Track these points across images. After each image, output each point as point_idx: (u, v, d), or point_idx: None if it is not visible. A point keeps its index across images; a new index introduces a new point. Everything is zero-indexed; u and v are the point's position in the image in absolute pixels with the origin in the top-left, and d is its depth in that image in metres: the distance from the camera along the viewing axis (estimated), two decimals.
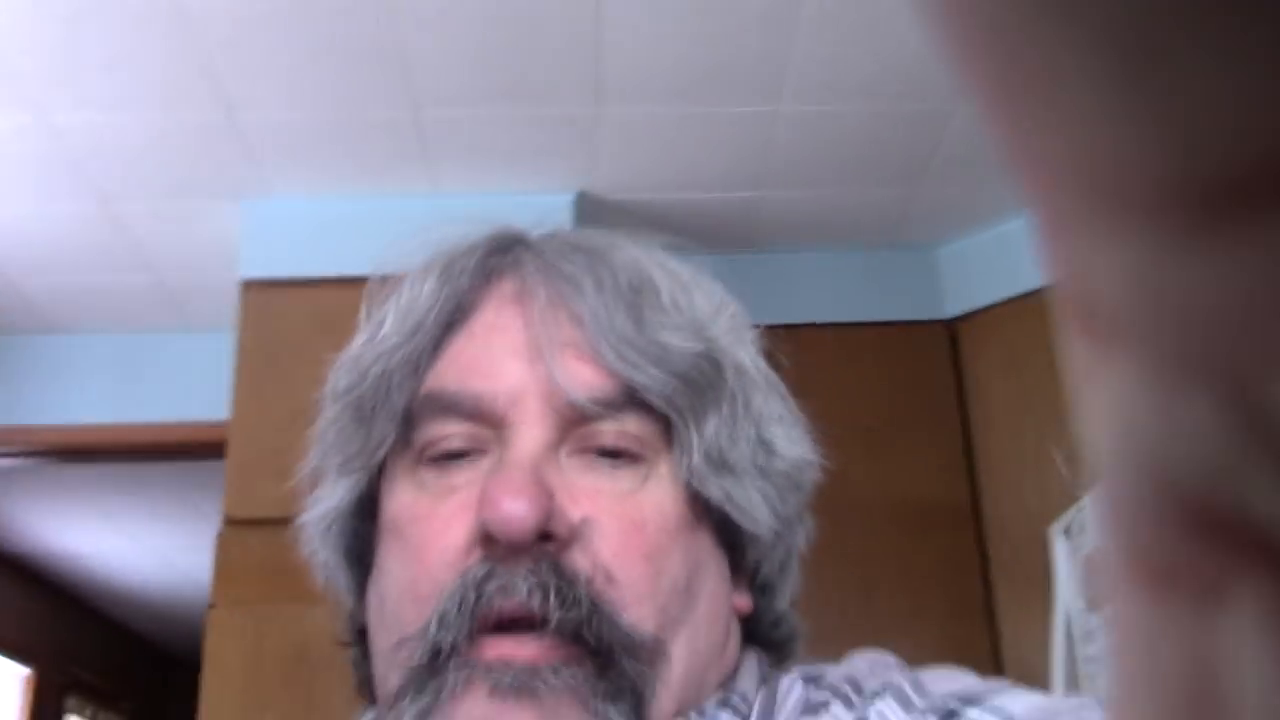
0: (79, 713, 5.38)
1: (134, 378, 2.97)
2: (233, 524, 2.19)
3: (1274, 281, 0.07)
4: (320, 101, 2.20)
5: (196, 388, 2.84)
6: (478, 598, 0.52)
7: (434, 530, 0.55)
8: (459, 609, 0.52)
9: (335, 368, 0.62)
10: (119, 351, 3.00)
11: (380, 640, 0.57)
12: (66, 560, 4.76)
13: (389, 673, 0.56)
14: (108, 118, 2.22)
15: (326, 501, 0.60)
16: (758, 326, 0.64)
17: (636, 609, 0.53)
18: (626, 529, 0.54)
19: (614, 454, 0.55)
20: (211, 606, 2.14)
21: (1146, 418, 0.08)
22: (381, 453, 0.58)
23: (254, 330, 2.34)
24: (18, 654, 4.88)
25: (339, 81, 2.14)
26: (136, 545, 4.56)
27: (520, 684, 0.51)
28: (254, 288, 2.39)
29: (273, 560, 2.05)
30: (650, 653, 0.53)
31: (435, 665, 0.53)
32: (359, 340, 0.61)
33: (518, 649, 0.52)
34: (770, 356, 0.64)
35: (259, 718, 2.02)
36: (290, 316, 2.29)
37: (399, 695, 0.54)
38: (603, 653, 0.52)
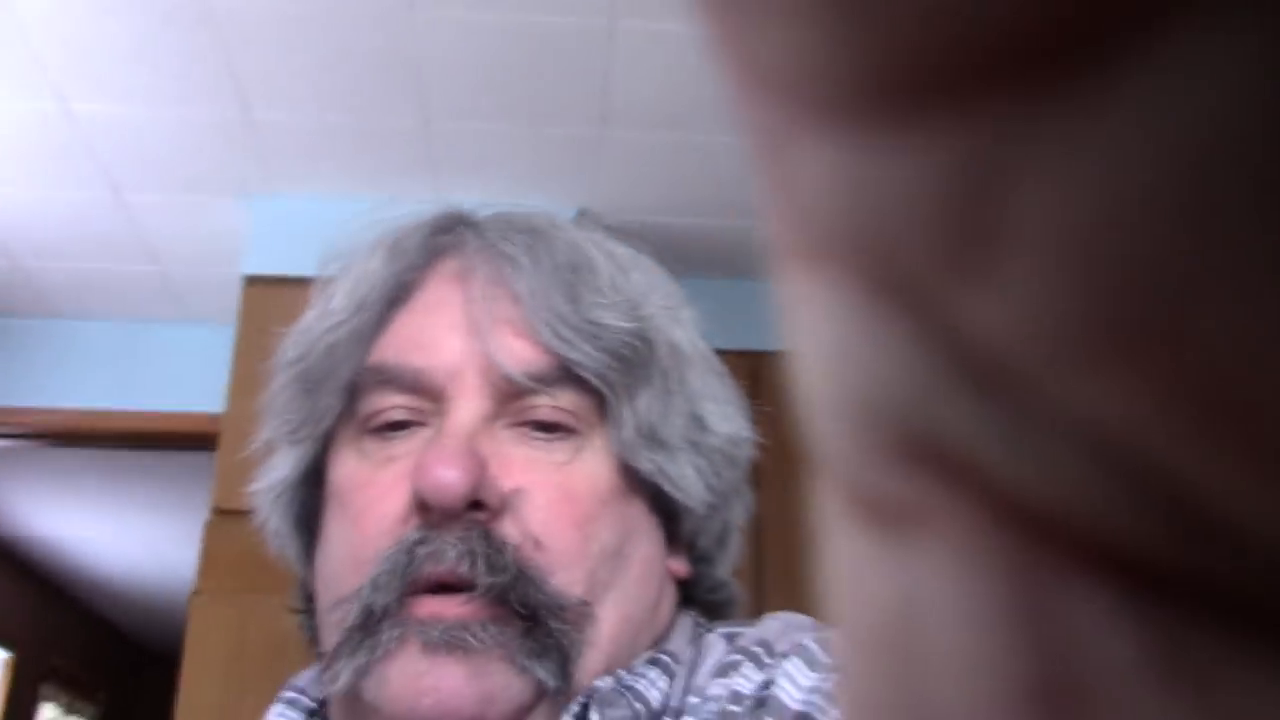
0: (54, 700, 5.38)
1: (131, 366, 3.01)
2: (221, 514, 2.22)
3: (948, 184, 0.07)
4: (334, 106, 2.25)
5: (192, 380, 2.88)
6: (409, 561, 0.54)
7: (373, 498, 0.57)
8: (391, 571, 0.55)
9: (285, 339, 0.64)
10: (118, 339, 3.04)
11: (322, 603, 0.59)
12: (50, 546, 4.78)
13: (327, 634, 0.58)
14: (126, 109, 2.27)
15: (277, 471, 0.62)
16: (747, 353, 0.67)
17: (564, 574, 0.55)
18: (557, 499, 0.56)
19: (548, 427, 0.58)
20: (196, 593, 2.17)
21: (846, 341, 0.08)
22: (326, 423, 0.60)
23: (253, 325, 2.38)
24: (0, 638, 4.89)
25: (354, 88, 2.19)
26: (120, 535, 4.58)
27: (450, 639, 0.53)
28: (256, 283, 2.43)
29: (258, 552, 2.08)
30: (577, 615, 0.55)
31: (369, 625, 0.55)
32: (309, 315, 0.63)
33: (447, 607, 0.54)
34: (760, 380, 0.67)
35: (238, 705, 2.04)
36: (290, 313, 2.32)
37: (335, 655, 0.56)
38: (529, 615, 0.54)
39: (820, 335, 0.08)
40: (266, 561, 0.66)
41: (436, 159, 2.37)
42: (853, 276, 0.08)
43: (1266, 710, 0.06)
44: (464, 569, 0.54)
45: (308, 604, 0.63)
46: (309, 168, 2.41)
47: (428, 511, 0.55)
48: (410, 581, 0.54)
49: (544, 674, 0.54)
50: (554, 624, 0.55)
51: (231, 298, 2.53)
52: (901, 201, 0.07)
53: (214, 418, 2.42)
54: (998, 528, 0.07)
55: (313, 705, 0.62)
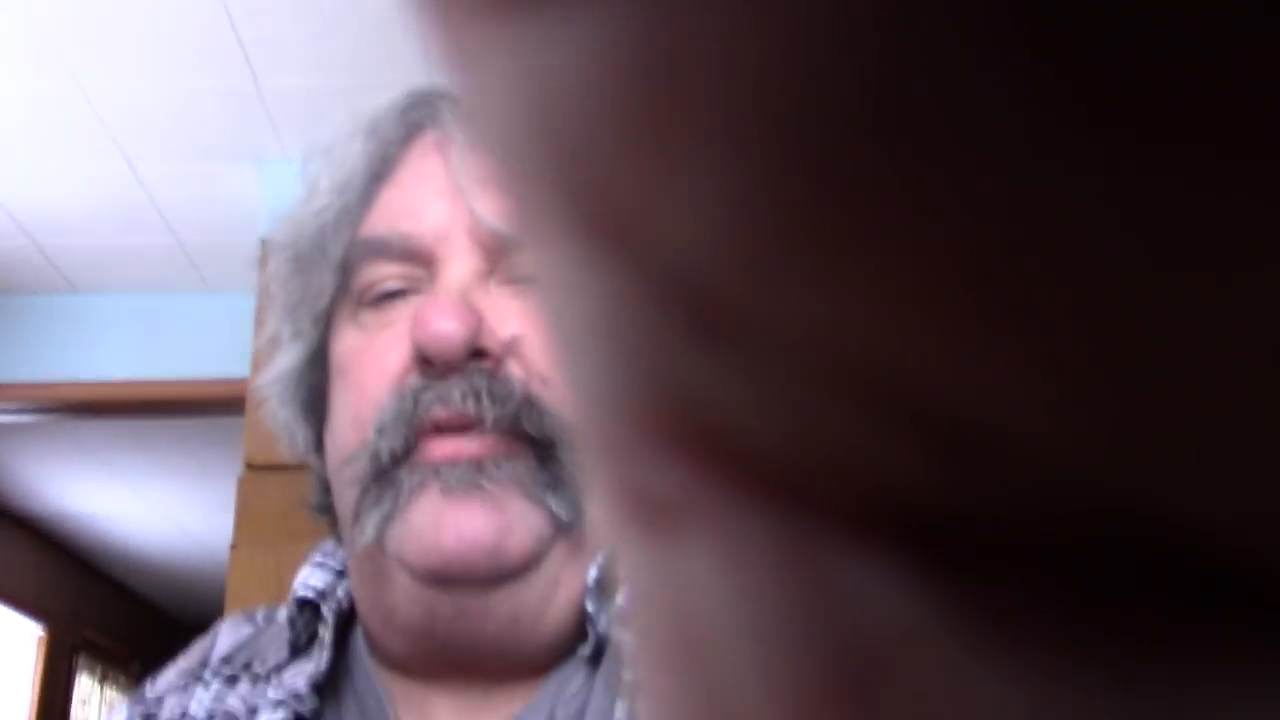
0: (90, 672, 5.50)
1: (155, 337, 3.07)
2: (253, 469, 2.30)
3: (620, 59, 0.06)
4: (340, 68, 2.30)
5: (216, 347, 2.94)
6: (414, 406, 0.55)
7: (371, 360, 0.58)
8: (395, 418, 0.56)
9: (276, 228, 0.66)
10: (140, 311, 3.10)
11: (333, 472, 0.60)
12: (79, 521, 4.86)
13: (343, 499, 0.59)
14: (136, 82, 2.33)
15: (281, 362, 0.64)
16: None
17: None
18: None
19: None
20: (234, 546, 2.26)
21: (575, 310, 0.07)
22: (323, 302, 0.61)
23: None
24: (31, 612, 4.98)
25: (358, 48, 2.25)
26: (148, 506, 4.67)
27: (468, 481, 0.55)
28: (273, 247, 2.49)
29: (291, 504, 2.16)
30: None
31: (383, 474, 0.56)
32: (296, 203, 0.64)
33: (461, 446, 0.55)
34: None
35: None
36: None
37: (358, 511, 0.57)
38: (542, 444, 0.56)
39: (556, 313, 0.07)
40: (299, 513, 0.70)
41: None
42: (559, 217, 0.07)
43: (1083, 668, 0.06)
44: (470, 408, 0.55)
45: (325, 496, 0.65)
46: (320, 130, 2.48)
47: (429, 365, 0.56)
48: (417, 426, 0.55)
49: (557, 506, 0.56)
50: (566, 456, 0.56)
51: (250, 263, 2.59)
52: (581, 95, 0.06)
53: (239, 383, 2.50)
54: (760, 510, 0.06)
55: (341, 567, 0.65)
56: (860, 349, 0.06)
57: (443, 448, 0.56)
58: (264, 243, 2.56)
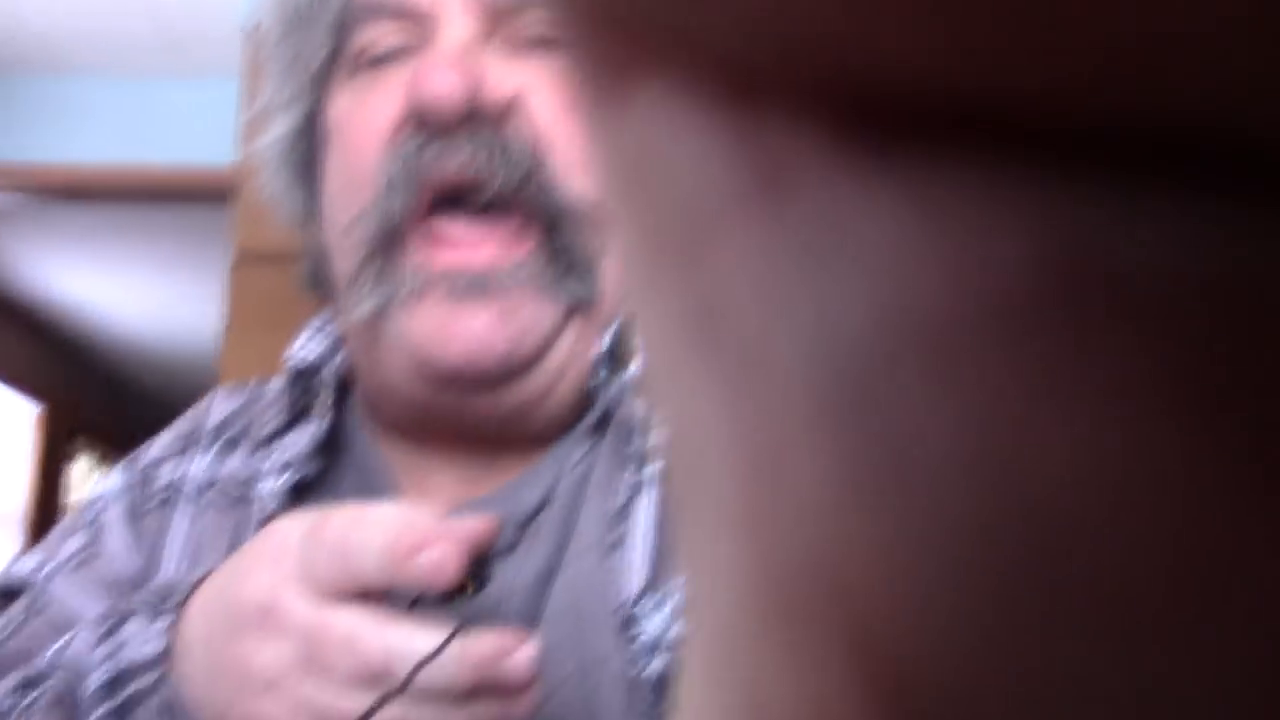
0: (88, 453, 5.61)
1: (139, 122, 3.03)
2: (244, 257, 2.32)
3: None
4: None
5: (200, 133, 2.91)
6: (417, 161, 0.54)
7: (364, 118, 0.57)
8: (404, 173, 0.54)
9: (260, 9, 0.63)
10: (124, 95, 3.05)
11: (332, 240, 0.59)
12: (65, 306, 4.88)
13: (343, 265, 0.58)
14: None
15: (275, 129, 0.62)
16: None
17: (579, 178, 0.55)
18: (561, 104, 0.55)
19: (547, 43, 0.56)
20: (227, 329, 2.30)
21: None
22: (316, 64, 0.59)
23: (261, 76, 2.40)
24: (29, 391, 5.03)
25: None
26: (134, 294, 4.68)
27: (476, 285, 0.54)
28: (265, 8, 2.43)
29: (283, 292, 2.19)
30: (595, 219, 0.55)
31: (388, 244, 0.54)
32: None
33: (470, 255, 0.54)
34: None
35: None
36: None
37: (357, 278, 0.56)
38: (549, 224, 0.54)
39: None
40: (289, 303, 0.69)
41: None
42: None
43: (956, 212, 0.07)
44: (479, 163, 0.53)
45: (320, 267, 0.63)
46: None
47: (425, 126, 0.54)
48: (421, 182, 0.54)
49: (575, 288, 0.56)
50: (574, 235, 0.55)
51: (236, 50, 2.55)
52: None
53: (224, 170, 2.48)
54: (699, 80, 0.08)
55: (337, 337, 0.65)
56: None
57: (446, 255, 0.55)
58: (251, 29, 2.48)
